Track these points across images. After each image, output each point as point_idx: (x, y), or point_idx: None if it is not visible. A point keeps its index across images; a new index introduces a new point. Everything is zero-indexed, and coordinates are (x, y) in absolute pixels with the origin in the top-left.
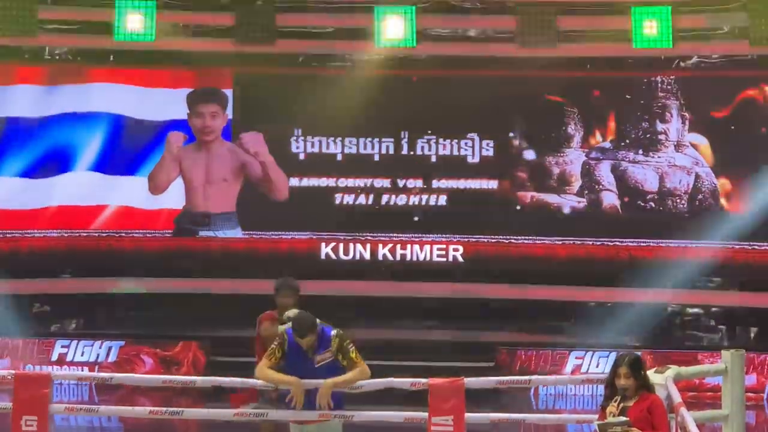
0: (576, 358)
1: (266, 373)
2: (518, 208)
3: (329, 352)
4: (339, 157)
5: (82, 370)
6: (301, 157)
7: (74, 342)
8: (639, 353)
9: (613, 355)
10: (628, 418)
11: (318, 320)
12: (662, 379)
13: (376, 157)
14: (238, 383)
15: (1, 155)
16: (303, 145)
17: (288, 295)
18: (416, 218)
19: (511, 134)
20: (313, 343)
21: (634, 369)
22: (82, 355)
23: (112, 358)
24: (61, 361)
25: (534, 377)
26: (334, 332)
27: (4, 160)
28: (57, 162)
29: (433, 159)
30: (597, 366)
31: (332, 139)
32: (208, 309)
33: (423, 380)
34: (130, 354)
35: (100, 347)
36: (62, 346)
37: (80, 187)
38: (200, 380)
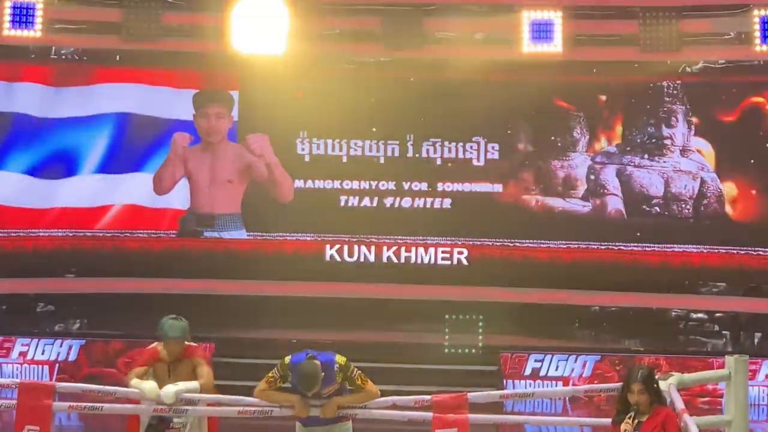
0: (535, 361)
1: (266, 393)
2: (523, 211)
3: (335, 383)
4: (344, 160)
5: (43, 369)
6: (307, 159)
7: (35, 340)
8: (650, 367)
9: (572, 359)
10: None
11: (318, 355)
12: (665, 386)
13: (382, 160)
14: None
15: (7, 150)
16: (308, 147)
17: (176, 342)
18: None
19: (516, 138)
20: (318, 388)
21: (647, 384)
22: (42, 353)
23: (72, 356)
24: (21, 359)
25: (537, 390)
26: (337, 366)
27: (10, 156)
28: (63, 164)
29: (438, 162)
30: (556, 369)
31: (338, 141)
32: (213, 310)
33: (426, 397)
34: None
35: (60, 346)
36: (23, 344)
37: (86, 190)
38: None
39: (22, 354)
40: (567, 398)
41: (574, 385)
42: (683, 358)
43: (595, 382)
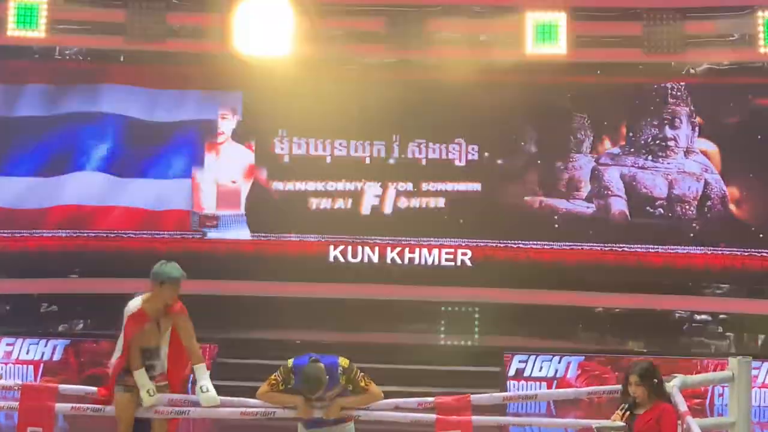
0: (519, 361)
1: (269, 395)
2: (527, 213)
3: (339, 386)
4: (367, 161)
5: (28, 369)
6: (328, 160)
7: (20, 340)
8: (650, 362)
9: (556, 360)
10: (624, 424)
11: (321, 358)
12: (668, 387)
13: (392, 161)
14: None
15: (11, 155)
16: (288, 146)
17: (174, 290)
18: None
19: (520, 139)
20: (322, 391)
21: (644, 378)
22: (27, 353)
23: (57, 356)
24: (6, 359)
25: (540, 392)
26: (340, 369)
27: (13, 160)
28: (66, 160)
29: (458, 163)
30: (540, 370)
31: (353, 142)
32: (216, 311)
33: (429, 399)
34: None
35: (45, 345)
36: (7, 344)
37: (89, 187)
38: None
39: (7, 354)
40: (551, 400)
41: (558, 386)
42: (674, 359)
43: (593, 383)
